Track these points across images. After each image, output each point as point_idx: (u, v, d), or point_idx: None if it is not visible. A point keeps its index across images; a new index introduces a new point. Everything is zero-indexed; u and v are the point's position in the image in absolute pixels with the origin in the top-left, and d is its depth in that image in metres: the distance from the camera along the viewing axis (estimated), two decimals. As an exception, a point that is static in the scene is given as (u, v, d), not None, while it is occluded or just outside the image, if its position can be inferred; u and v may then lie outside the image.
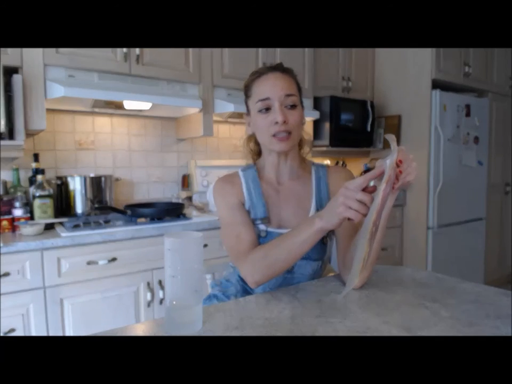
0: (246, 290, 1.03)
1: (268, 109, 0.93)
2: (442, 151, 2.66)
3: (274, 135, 0.93)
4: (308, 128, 2.62)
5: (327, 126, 2.62)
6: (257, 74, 0.97)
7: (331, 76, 2.72)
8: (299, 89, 0.99)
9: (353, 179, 1.06)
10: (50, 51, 1.63)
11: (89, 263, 1.56)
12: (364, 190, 0.70)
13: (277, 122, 0.91)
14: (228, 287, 1.09)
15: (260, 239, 0.96)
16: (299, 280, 0.99)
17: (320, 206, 1.00)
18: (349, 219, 0.71)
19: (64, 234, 1.54)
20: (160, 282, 1.73)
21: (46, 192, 1.70)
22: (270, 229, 0.98)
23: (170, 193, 2.36)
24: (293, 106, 0.94)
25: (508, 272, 3.39)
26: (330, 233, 1.01)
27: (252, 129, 1.02)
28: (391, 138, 0.69)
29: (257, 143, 1.07)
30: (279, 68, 0.97)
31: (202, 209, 2.16)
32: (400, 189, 0.76)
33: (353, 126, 2.74)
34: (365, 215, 0.69)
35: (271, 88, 0.93)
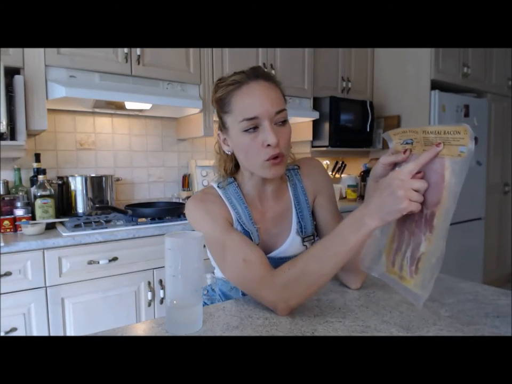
0: None
1: (255, 128, 0.80)
2: (442, 151, 2.66)
3: (267, 160, 0.80)
4: (308, 129, 2.63)
5: (326, 126, 2.63)
6: (236, 84, 0.81)
7: (331, 76, 2.73)
8: (284, 96, 0.86)
9: (323, 167, 0.99)
10: (52, 52, 1.63)
11: (90, 262, 1.56)
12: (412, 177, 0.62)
13: (269, 145, 0.78)
14: (214, 296, 1.03)
15: None
16: None
17: (301, 217, 0.93)
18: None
19: (65, 234, 1.54)
20: (160, 281, 1.74)
21: (47, 192, 1.70)
22: None
23: (170, 193, 2.37)
24: (283, 122, 0.82)
25: (507, 272, 3.39)
26: (312, 237, 0.96)
27: (231, 147, 0.87)
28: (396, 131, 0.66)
29: (232, 161, 0.92)
30: (260, 75, 0.82)
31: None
32: None
33: (353, 126, 2.74)
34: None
35: (259, 104, 0.79)
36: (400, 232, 0.66)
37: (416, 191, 0.61)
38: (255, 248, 0.81)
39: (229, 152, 0.88)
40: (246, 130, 0.80)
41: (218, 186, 0.92)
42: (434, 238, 0.61)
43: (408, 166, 0.61)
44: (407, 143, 0.65)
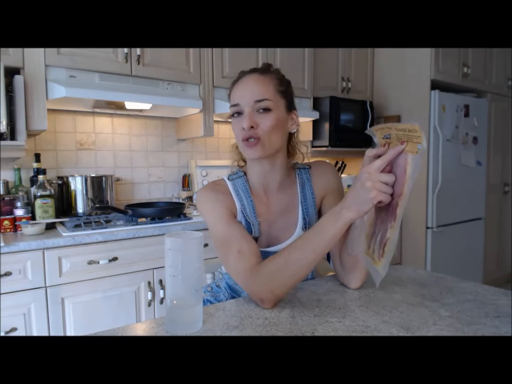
0: (233, 298, 1.00)
1: (239, 114, 0.89)
2: (441, 151, 2.67)
3: (242, 140, 0.88)
4: (308, 129, 2.63)
5: (326, 126, 2.63)
6: (237, 78, 0.93)
7: (331, 77, 2.73)
8: (283, 92, 0.92)
9: (334, 169, 1.04)
10: (52, 52, 1.63)
11: (90, 262, 1.56)
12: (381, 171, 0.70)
13: (244, 128, 0.87)
14: (218, 292, 1.06)
15: None
16: None
17: (306, 214, 0.97)
18: (378, 202, 0.69)
19: (65, 234, 1.54)
20: (160, 281, 1.74)
21: (47, 192, 1.70)
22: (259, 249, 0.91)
23: (170, 193, 2.37)
24: (266, 110, 0.87)
25: (507, 272, 3.39)
26: None
27: None
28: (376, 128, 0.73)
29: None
30: (258, 70, 0.92)
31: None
32: None
33: (353, 126, 2.74)
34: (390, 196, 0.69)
35: (242, 93, 0.89)
36: (376, 220, 0.75)
37: (385, 184, 0.68)
38: (251, 241, 0.86)
39: None
40: (232, 115, 0.91)
41: (228, 179, 0.98)
42: (396, 225, 0.70)
43: (376, 161, 0.70)
44: (386, 138, 0.72)
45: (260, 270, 0.80)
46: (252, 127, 0.86)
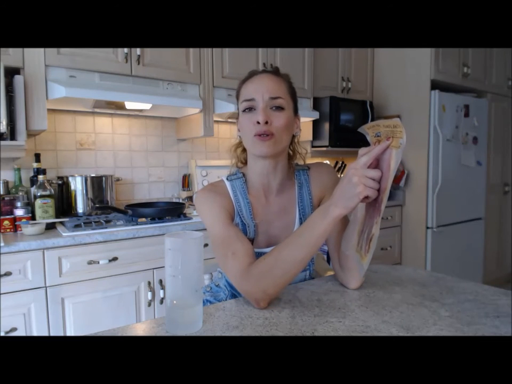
0: (234, 295, 1.01)
1: (252, 109, 0.90)
2: (441, 151, 2.67)
3: (255, 135, 0.88)
4: (308, 129, 2.63)
5: (326, 126, 2.63)
6: (249, 76, 0.95)
7: (331, 77, 2.73)
8: (293, 94, 0.95)
9: (333, 170, 1.06)
10: (52, 52, 1.63)
11: (90, 262, 1.56)
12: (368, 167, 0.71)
13: (258, 123, 0.87)
14: (218, 291, 1.07)
15: None
16: None
17: (303, 215, 0.97)
18: (365, 198, 0.70)
19: (65, 234, 1.54)
20: (160, 281, 1.74)
21: (47, 192, 1.70)
22: (257, 250, 0.93)
23: (170, 193, 2.37)
24: (279, 109, 0.89)
25: (506, 272, 3.39)
26: None
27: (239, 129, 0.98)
28: (368, 126, 0.75)
29: (244, 150, 1.02)
30: (270, 71, 0.95)
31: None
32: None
33: (353, 127, 2.74)
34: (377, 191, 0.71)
35: (257, 88, 0.90)
36: (365, 217, 0.76)
37: (372, 179, 0.69)
38: (245, 243, 0.86)
39: (239, 137, 0.99)
40: (244, 111, 0.91)
41: (227, 179, 0.99)
42: (379, 220, 0.72)
43: (362, 157, 0.71)
44: (378, 136, 0.73)
45: (251, 270, 0.79)
46: (267, 122, 0.87)
